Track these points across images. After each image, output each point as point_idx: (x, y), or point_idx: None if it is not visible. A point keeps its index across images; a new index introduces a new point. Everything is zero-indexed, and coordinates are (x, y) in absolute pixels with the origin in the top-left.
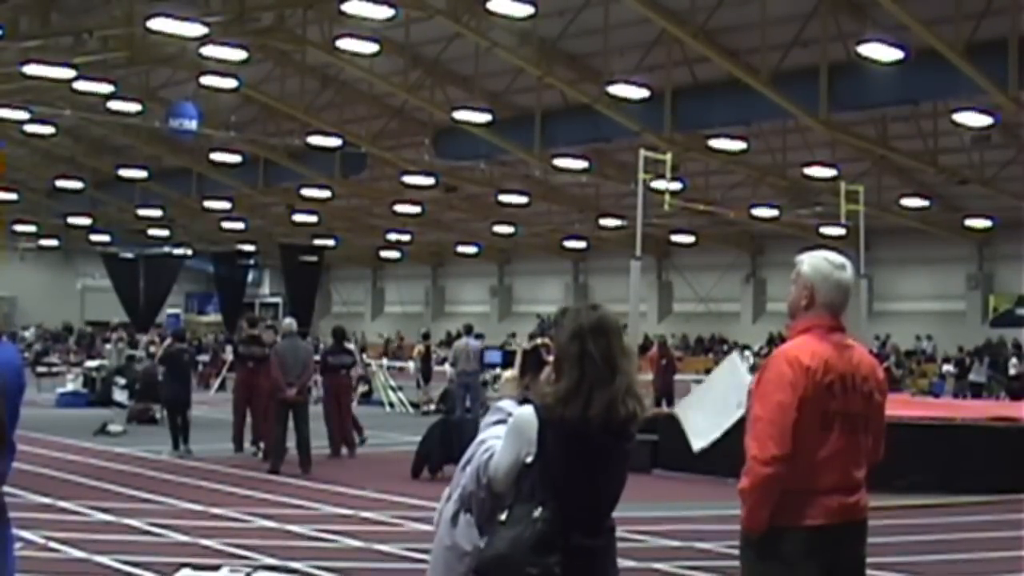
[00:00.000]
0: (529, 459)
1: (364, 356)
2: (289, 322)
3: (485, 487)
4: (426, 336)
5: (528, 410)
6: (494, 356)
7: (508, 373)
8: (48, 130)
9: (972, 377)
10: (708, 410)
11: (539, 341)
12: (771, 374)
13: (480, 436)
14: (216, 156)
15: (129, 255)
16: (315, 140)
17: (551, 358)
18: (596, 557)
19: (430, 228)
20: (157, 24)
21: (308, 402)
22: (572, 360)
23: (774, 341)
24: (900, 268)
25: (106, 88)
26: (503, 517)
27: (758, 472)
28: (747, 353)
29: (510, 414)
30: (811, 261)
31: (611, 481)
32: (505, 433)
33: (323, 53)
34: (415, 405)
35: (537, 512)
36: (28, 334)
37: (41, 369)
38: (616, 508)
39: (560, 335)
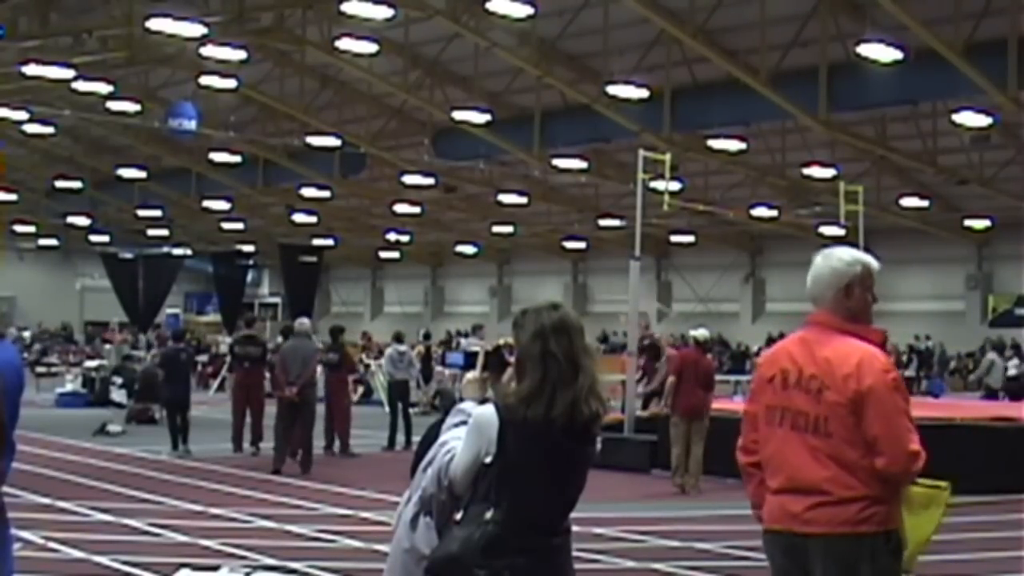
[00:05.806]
0: (488, 459)
1: (363, 357)
2: (302, 321)
3: (446, 489)
4: (427, 336)
5: (489, 409)
6: (456, 358)
7: (470, 375)
8: (48, 130)
9: (906, 373)
10: None
11: (500, 342)
12: None
13: (442, 438)
14: (215, 156)
15: (128, 255)
16: (314, 140)
17: (513, 359)
18: (552, 558)
19: (429, 228)
20: (156, 24)
21: (312, 401)
22: (534, 360)
23: (773, 342)
24: (899, 268)
25: (105, 88)
26: (458, 517)
27: None
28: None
29: (471, 415)
30: None
31: (572, 483)
32: (466, 432)
33: (322, 53)
34: (414, 405)
35: (489, 514)
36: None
37: (41, 369)
38: (616, 508)
39: (522, 335)
